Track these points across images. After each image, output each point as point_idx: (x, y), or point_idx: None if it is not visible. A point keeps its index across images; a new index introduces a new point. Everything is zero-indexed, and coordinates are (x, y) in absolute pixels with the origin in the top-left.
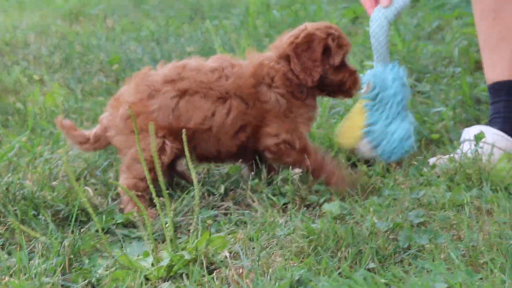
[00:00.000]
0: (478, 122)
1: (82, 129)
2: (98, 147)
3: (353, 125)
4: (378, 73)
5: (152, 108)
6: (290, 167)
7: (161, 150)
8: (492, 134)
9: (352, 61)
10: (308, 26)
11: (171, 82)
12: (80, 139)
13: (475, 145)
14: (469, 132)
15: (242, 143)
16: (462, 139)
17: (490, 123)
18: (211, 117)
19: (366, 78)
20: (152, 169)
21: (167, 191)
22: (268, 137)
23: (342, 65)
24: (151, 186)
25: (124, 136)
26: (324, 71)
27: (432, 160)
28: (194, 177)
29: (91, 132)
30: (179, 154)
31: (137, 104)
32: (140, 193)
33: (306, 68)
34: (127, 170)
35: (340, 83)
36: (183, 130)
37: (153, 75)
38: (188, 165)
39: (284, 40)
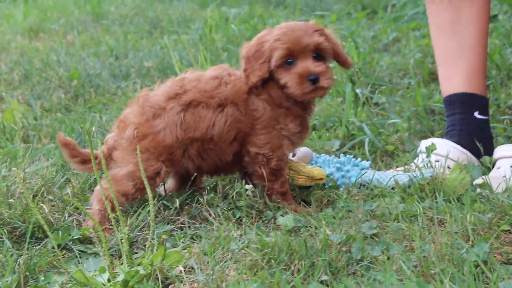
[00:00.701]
0: (432, 133)
1: (82, 149)
2: (100, 168)
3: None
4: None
5: (158, 128)
6: (243, 181)
7: (157, 173)
8: (447, 146)
9: None
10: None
11: (175, 97)
12: (84, 158)
13: (427, 157)
14: (425, 144)
15: (237, 151)
16: (418, 150)
17: (447, 136)
18: (213, 126)
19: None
20: (140, 189)
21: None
22: (252, 144)
23: (286, 68)
24: (108, 207)
25: (127, 153)
26: (273, 74)
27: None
28: (149, 192)
29: (96, 152)
30: (199, 169)
31: (143, 125)
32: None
33: (246, 70)
34: (115, 182)
35: (284, 86)
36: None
37: (154, 96)
38: (143, 176)
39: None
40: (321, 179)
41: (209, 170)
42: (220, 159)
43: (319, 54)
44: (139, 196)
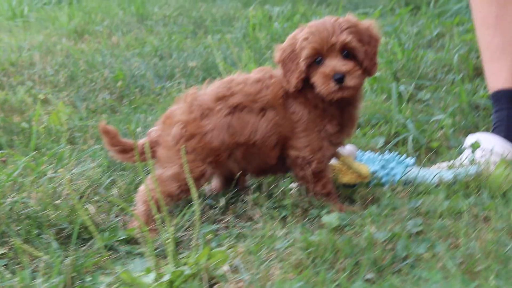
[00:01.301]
0: (477, 128)
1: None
2: (142, 159)
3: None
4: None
5: (206, 128)
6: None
7: (203, 175)
8: (493, 141)
9: None
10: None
11: (223, 98)
12: (124, 147)
13: (472, 153)
14: (471, 140)
15: (280, 154)
16: (464, 146)
17: (494, 131)
18: (256, 131)
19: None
20: (185, 190)
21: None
22: (293, 148)
23: (315, 67)
24: (153, 207)
25: (172, 153)
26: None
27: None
28: (193, 193)
29: (139, 142)
30: (245, 171)
31: (191, 124)
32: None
33: (285, 74)
34: (160, 183)
35: (314, 85)
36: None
37: (202, 95)
38: (187, 178)
39: None
40: (366, 177)
41: (254, 172)
42: (264, 163)
43: (348, 52)
44: (184, 197)
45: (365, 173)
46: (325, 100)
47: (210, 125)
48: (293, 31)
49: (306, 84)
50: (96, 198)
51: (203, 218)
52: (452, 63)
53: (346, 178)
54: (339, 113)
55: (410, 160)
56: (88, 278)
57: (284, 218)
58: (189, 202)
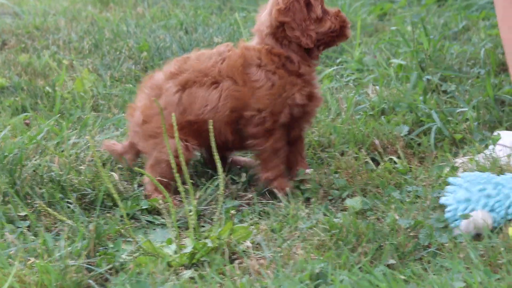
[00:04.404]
0: (501, 124)
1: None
2: (136, 154)
3: None
4: None
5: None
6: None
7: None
8: None
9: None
10: None
11: (173, 77)
12: (119, 151)
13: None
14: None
15: (236, 129)
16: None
17: None
18: (206, 104)
19: None
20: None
21: (191, 181)
22: (250, 109)
23: (324, 13)
24: (178, 179)
25: (144, 141)
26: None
27: (458, 161)
28: (218, 166)
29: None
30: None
31: (148, 107)
32: (166, 180)
33: (302, 30)
34: (152, 171)
35: (330, 31)
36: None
37: (156, 75)
38: (214, 155)
39: (262, 19)
40: None
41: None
42: (222, 140)
43: None
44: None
45: None
46: (311, 62)
47: (162, 104)
48: None
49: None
50: (119, 166)
51: (226, 194)
52: (478, 57)
53: None
54: (311, 85)
55: None
56: (111, 245)
57: (307, 199)
58: (212, 175)
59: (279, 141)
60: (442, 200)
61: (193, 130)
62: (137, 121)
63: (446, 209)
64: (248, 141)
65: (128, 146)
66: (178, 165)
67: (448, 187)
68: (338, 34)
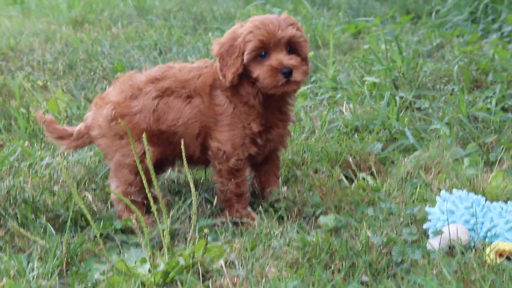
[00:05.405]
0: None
1: (63, 125)
2: (80, 145)
3: None
4: None
5: (134, 109)
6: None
7: (144, 155)
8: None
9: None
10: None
11: (154, 81)
12: (60, 134)
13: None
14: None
15: (203, 146)
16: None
17: None
18: (179, 117)
19: None
20: (139, 174)
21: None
22: (215, 140)
23: (258, 61)
24: (148, 192)
25: (108, 139)
26: (246, 68)
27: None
28: (191, 184)
29: (74, 128)
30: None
31: (121, 105)
32: (138, 199)
33: (222, 68)
34: (115, 176)
35: (256, 79)
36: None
37: (137, 76)
38: (185, 171)
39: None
40: None
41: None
42: (189, 154)
43: (292, 47)
44: (142, 181)
45: None
46: (259, 97)
47: (138, 106)
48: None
49: (240, 80)
50: (93, 186)
51: (199, 212)
52: (452, 74)
53: None
54: (266, 113)
55: None
56: (83, 265)
57: (280, 217)
58: (186, 194)
59: (242, 185)
60: (426, 209)
61: (163, 139)
62: (106, 116)
63: (428, 217)
64: (213, 177)
65: (77, 134)
66: (145, 170)
67: (437, 198)
68: (261, 86)
